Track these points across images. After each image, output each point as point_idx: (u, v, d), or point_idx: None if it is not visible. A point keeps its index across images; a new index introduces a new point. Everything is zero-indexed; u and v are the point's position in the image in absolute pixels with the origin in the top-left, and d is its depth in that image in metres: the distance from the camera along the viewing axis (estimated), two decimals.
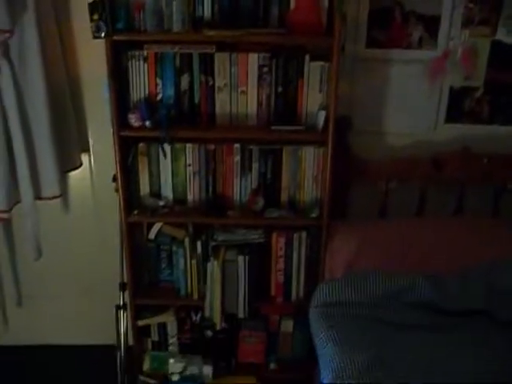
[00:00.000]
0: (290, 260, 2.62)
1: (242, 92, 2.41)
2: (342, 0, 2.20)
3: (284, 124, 2.43)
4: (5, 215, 2.47)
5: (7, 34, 2.23)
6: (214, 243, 2.57)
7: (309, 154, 2.49)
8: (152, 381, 2.73)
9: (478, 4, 2.47)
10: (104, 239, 2.78)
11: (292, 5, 2.32)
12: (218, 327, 2.68)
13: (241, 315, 2.65)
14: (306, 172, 2.52)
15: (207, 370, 2.71)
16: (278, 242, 2.59)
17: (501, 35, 2.52)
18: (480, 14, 2.49)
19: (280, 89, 2.41)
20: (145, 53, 2.35)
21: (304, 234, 2.58)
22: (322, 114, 2.40)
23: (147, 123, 2.37)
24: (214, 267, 2.54)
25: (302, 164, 2.51)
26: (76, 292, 2.99)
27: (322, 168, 2.49)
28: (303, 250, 2.60)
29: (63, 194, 2.58)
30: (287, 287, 2.67)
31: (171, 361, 2.72)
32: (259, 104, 2.43)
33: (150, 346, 2.87)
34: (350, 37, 2.50)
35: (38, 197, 2.49)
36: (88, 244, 2.85)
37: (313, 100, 2.44)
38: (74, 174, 2.67)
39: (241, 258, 2.54)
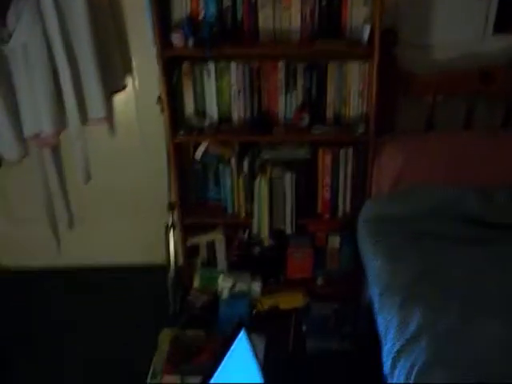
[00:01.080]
0: (337, 176, 2.62)
1: (285, 7, 2.36)
2: None
3: (328, 38, 2.38)
4: (53, 140, 2.52)
5: None
6: (260, 161, 2.58)
7: (354, 68, 2.45)
8: (203, 297, 2.81)
9: None
10: (151, 160, 2.81)
11: None
12: (265, 244, 2.73)
13: (288, 231, 2.69)
14: (352, 87, 2.49)
15: (256, 286, 2.78)
16: (325, 159, 2.58)
17: None
18: None
19: (324, 2, 2.35)
20: None
21: (350, 150, 2.57)
22: (367, 28, 2.34)
23: (190, 42, 2.34)
24: (261, 185, 2.57)
25: (348, 79, 2.47)
26: (126, 213, 3.06)
27: (368, 83, 2.45)
28: (350, 165, 2.59)
29: (109, 116, 2.58)
30: (334, 203, 2.69)
31: (221, 277, 2.78)
32: (303, 18, 2.38)
33: (199, 265, 2.93)
34: None
35: (84, 119, 2.50)
36: (135, 166, 2.89)
37: (357, 13, 2.37)
38: (118, 97, 2.65)
39: (287, 175, 2.56)
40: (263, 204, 2.60)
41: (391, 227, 2.38)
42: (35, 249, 3.08)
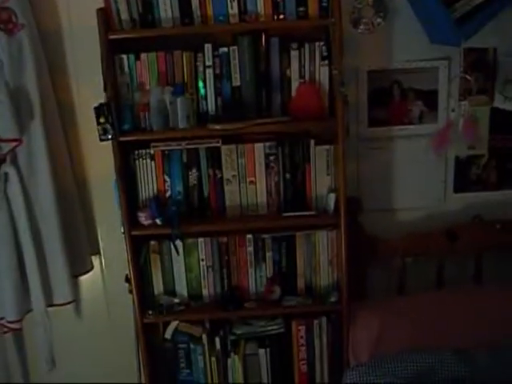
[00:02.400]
0: (312, 348, 2.54)
1: (251, 182, 2.41)
2: (342, 83, 2.24)
3: (295, 210, 2.42)
4: (16, 325, 2.43)
5: (16, 143, 2.27)
6: (232, 337, 2.51)
7: (322, 237, 2.47)
8: None
9: (474, 74, 2.50)
10: (119, 341, 2.69)
11: (293, 92, 2.35)
12: None
13: None
14: (321, 256, 2.49)
15: None
16: (299, 331, 2.52)
17: (498, 102, 2.54)
18: (476, 84, 2.52)
19: (288, 175, 2.41)
20: (152, 151, 2.36)
21: (324, 320, 2.51)
22: (332, 197, 2.39)
23: (158, 221, 2.35)
24: (234, 363, 2.48)
25: (316, 248, 2.48)
26: None
27: (337, 251, 2.46)
28: (324, 336, 2.53)
29: (75, 299, 2.53)
30: (311, 376, 2.58)
31: None
32: (268, 192, 2.43)
33: None
34: (352, 118, 2.51)
35: (49, 304, 2.45)
36: (103, 347, 2.77)
37: (321, 183, 2.43)
38: (85, 278, 2.62)
39: (262, 351, 2.48)
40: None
41: None
42: None
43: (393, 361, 2.36)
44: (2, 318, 2.44)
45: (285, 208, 2.44)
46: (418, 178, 2.63)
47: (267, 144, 2.38)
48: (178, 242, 2.43)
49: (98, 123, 2.20)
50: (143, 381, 2.57)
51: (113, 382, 2.72)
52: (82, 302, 2.63)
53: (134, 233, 2.36)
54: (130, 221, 2.35)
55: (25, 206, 2.34)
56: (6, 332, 2.51)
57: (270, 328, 2.51)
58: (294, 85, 2.35)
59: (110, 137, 2.22)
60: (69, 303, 2.47)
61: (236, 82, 2.32)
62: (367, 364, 2.40)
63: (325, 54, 2.31)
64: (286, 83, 2.35)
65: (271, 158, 2.39)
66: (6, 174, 2.32)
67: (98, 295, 2.73)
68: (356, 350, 2.47)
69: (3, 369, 2.66)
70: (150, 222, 2.36)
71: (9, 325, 2.43)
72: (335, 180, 2.42)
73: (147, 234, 2.42)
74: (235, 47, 2.29)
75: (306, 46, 2.31)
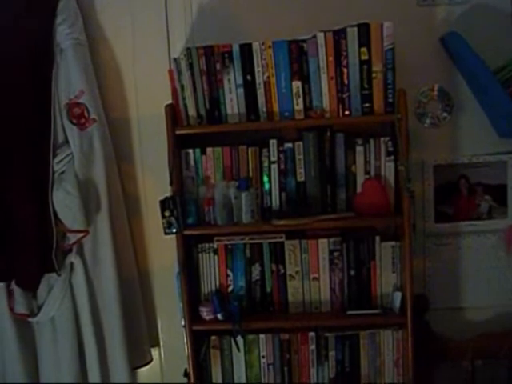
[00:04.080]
0: None
1: (314, 278, 2.36)
2: (408, 179, 2.21)
3: (359, 308, 2.35)
4: None
5: (83, 234, 2.31)
6: None
7: (387, 337, 2.38)
8: None
9: None
10: None
11: (358, 187, 2.33)
12: None
13: None
14: (386, 357, 2.39)
15: None
16: None
17: None
18: None
19: (352, 272, 2.36)
20: (215, 245, 2.36)
21: None
22: (398, 296, 2.31)
23: (219, 316, 2.32)
24: None
25: (381, 348, 2.38)
26: None
27: (403, 351, 2.35)
28: None
29: None
30: None
31: None
32: (332, 289, 2.37)
33: None
34: (418, 213, 2.46)
35: None
36: None
37: (386, 281, 2.36)
38: (143, 370, 2.58)
39: None
40: None
41: None
42: None
43: None
44: None
45: (349, 306, 2.37)
46: (488, 275, 2.52)
47: (331, 240, 2.35)
48: (239, 338, 2.38)
49: (163, 216, 2.22)
50: None
51: None
52: None
53: (194, 327, 2.33)
54: (191, 315, 2.32)
55: (88, 296, 2.36)
56: None
57: None
58: (359, 180, 2.32)
59: (174, 230, 2.23)
60: None
61: (301, 178, 2.32)
62: None
63: (390, 149, 2.29)
64: (351, 179, 2.33)
65: (335, 253, 2.34)
66: (72, 264, 2.36)
67: None
68: None
69: None
70: (211, 316, 2.33)
71: None
72: (401, 277, 2.35)
73: (208, 329, 2.38)
74: (300, 143, 2.30)
75: (372, 141, 2.30)
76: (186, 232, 2.28)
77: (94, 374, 2.38)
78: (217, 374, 2.44)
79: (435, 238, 2.51)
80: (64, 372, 2.37)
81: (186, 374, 2.41)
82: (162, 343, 2.65)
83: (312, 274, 2.36)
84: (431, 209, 2.50)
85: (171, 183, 2.26)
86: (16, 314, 2.36)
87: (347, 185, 2.33)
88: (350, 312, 2.34)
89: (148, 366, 2.57)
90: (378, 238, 2.34)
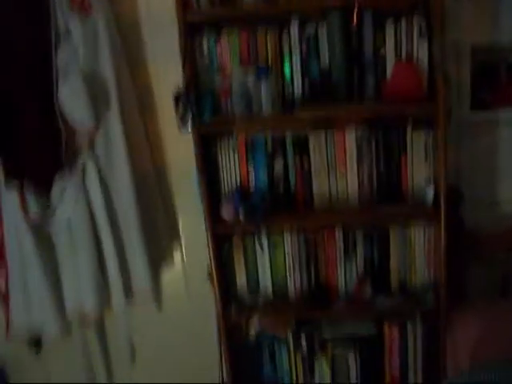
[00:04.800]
0: (406, 352, 2.34)
1: (341, 172, 2.23)
2: (444, 60, 2.02)
3: (389, 202, 2.22)
4: (95, 316, 2.39)
5: (92, 130, 2.20)
6: (320, 339, 2.35)
7: (419, 232, 2.26)
8: None
9: None
10: (201, 337, 2.58)
11: (388, 72, 2.14)
12: None
13: None
14: (417, 252, 2.28)
15: None
16: (391, 333, 2.32)
17: None
18: None
19: (382, 164, 2.22)
20: (235, 140, 2.22)
21: (419, 322, 2.31)
22: (431, 189, 2.18)
23: (241, 214, 2.21)
24: (322, 364, 2.33)
25: (412, 244, 2.27)
26: None
27: (435, 247, 2.25)
28: (419, 339, 2.32)
29: (155, 288, 2.44)
30: (404, 381, 2.38)
31: None
32: (360, 183, 2.24)
33: None
34: (453, 100, 2.26)
35: (129, 294, 2.38)
36: (183, 343, 2.67)
37: (418, 173, 2.22)
38: (166, 275, 2.54)
39: (351, 355, 2.31)
40: None
41: None
42: None
43: (499, 371, 2.15)
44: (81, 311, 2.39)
45: (378, 200, 2.25)
46: None
47: (359, 130, 2.19)
48: (263, 237, 2.29)
49: (177, 113, 2.08)
50: (225, 378, 2.46)
51: (194, 380, 2.65)
52: (163, 296, 2.54)
53: (216, 230, 2.24)
54: (213, 216, 2.23)
55: (103, 196, 2.27)
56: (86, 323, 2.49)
57: (360, 330, 2.34)
58: (389, 64, 2.14)
59: (189, 129, 2.10)
60: (149, 292, 2.39)
61: (325, 63, 2.15)
62: (468, 374, 2.20)
63: (424, 28, 2.08)
64: (380, 63, 2.14)
65: (363, 145, 2.20)
66: (84, 165, 2.25)
67: (179, 289, 2.61)
68: (454, 355, 2.26)
69: (88, 370, 2.64)
70: (232, 215, 2.22)
71: (89, 316, 2.39)
72: (434, 169, 2.20)
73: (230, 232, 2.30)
74: (324, 23, 2.11)
75: (403, 20, 2.09)
76: (203, 130, 2.15)
77: (113, 271, 2.33)
78: (241, 275, 2.37)
79: (470, 127, 2.33)
80: (83, 272, 2.32)
81: (210, 277, 2.34)
82: (183, 245, 2.57)
83: (339, 167, 2.23)
84: (467, 94, 2.30)
85: (184, 74, 2.09)
86: (30, 216, 2.28)
87: (376, 69, 2.15)
88: (379, 207, 2.22)
89: (170, 269, 2.52)
90: (409, 127, 2.18)
